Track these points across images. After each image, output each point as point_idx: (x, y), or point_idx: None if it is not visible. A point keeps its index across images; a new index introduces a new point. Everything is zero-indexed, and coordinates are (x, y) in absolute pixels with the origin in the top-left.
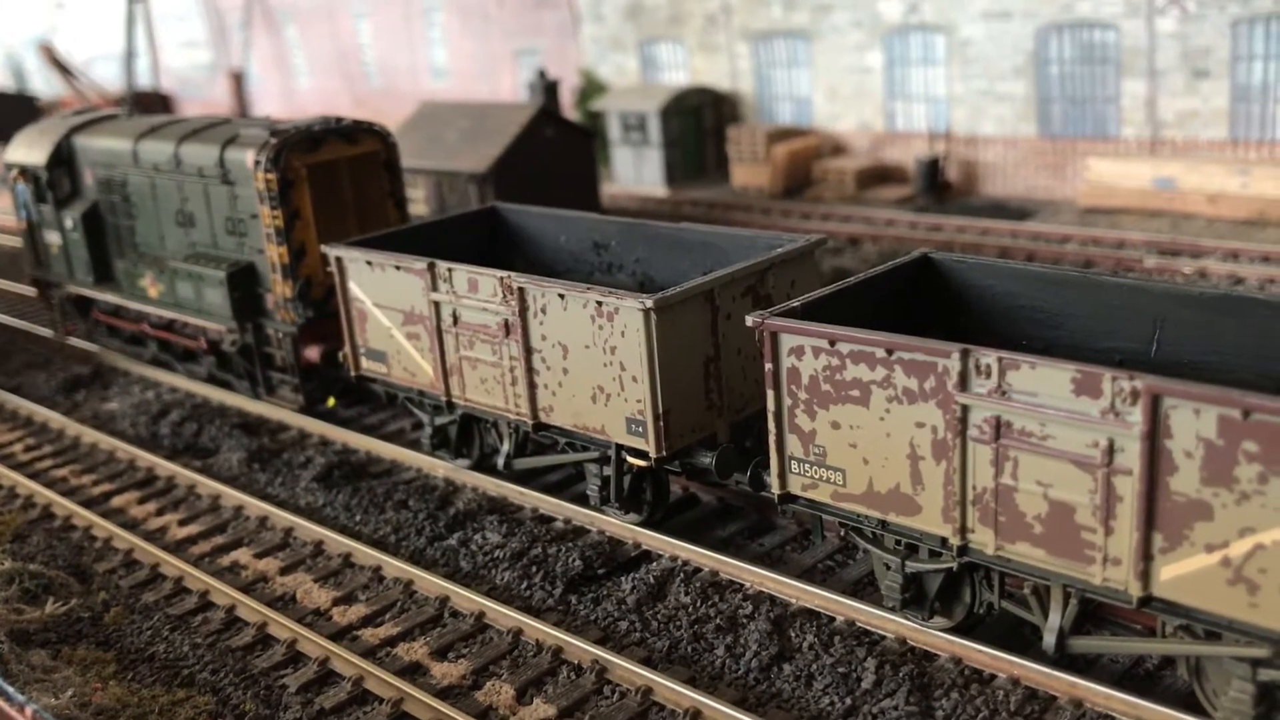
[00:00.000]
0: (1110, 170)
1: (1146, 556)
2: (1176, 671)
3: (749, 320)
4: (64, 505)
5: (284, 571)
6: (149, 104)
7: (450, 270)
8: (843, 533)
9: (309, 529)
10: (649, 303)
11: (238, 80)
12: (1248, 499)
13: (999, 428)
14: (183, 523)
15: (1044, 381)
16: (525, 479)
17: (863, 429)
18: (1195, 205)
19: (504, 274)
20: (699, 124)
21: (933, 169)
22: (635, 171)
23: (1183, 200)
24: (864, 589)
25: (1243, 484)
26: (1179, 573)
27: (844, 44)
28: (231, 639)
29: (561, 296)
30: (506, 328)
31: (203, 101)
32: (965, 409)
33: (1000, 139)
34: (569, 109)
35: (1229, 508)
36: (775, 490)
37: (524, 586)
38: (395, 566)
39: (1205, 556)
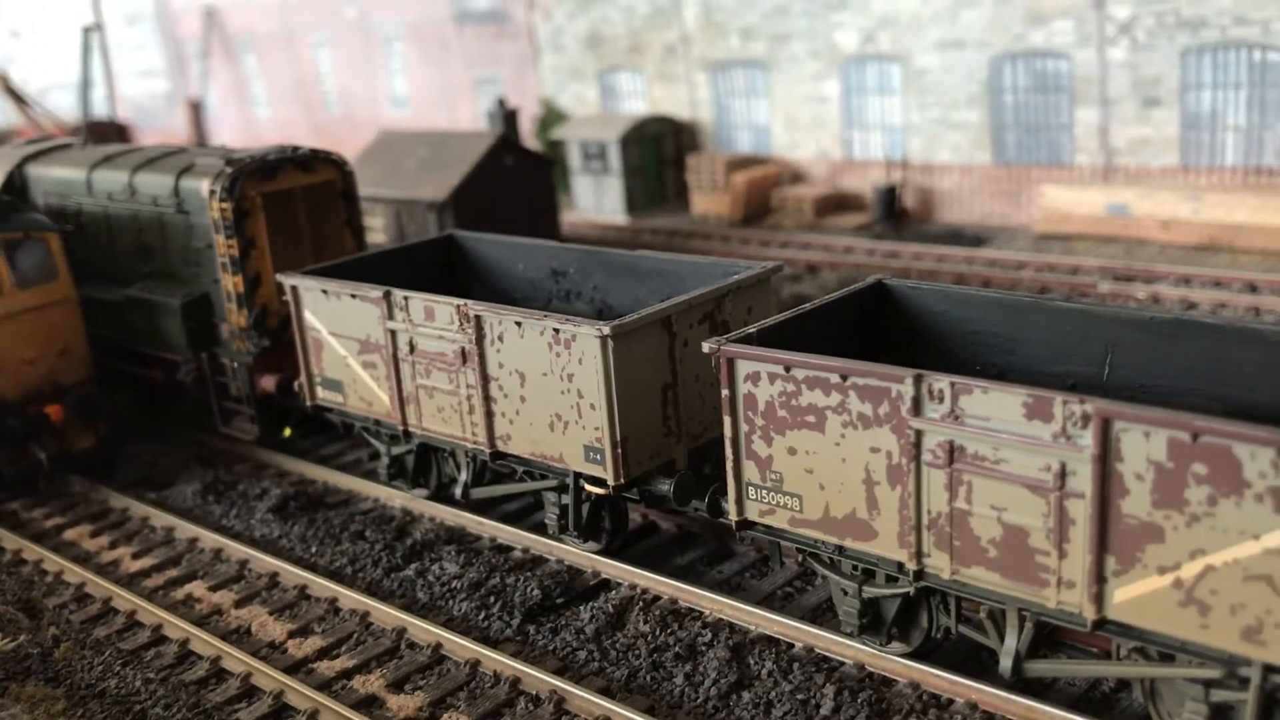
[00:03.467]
0: (1064, 197)
1: (1100, 579)
2: (1132, 694)
3: (705, 346)
4: (14, 540)
5: (239, 604)
6: (105, 133)
7: (406, 298)
8: (800, 559)
9: (264, 561)
10: (606, 330)
11: (196, 109)
12: (1198, 521)
13: (953, 452)
14: (136, 555)
15: (996, 406)
16: (483, 508)
17: (819, 454)
18: (1148, 231)
19: (461, 302)
20: (659, 152)
21: (890, 197)
22: (596, 200)
23: (1136, 226)
24: (822, 615)
25: (1193, 506)
26: (1132, 595)
27: (801, 74)
28: (185, 673)
29: (519, 324)
30: (464, 356)
31: (160, 131)
32: (919, 434)
33: (956, 167)
34: (529, 138)
35: (1180, 530)
36: (733, 516)
37: (482, 617)
38: (351, 598)
39: (1157, 578)
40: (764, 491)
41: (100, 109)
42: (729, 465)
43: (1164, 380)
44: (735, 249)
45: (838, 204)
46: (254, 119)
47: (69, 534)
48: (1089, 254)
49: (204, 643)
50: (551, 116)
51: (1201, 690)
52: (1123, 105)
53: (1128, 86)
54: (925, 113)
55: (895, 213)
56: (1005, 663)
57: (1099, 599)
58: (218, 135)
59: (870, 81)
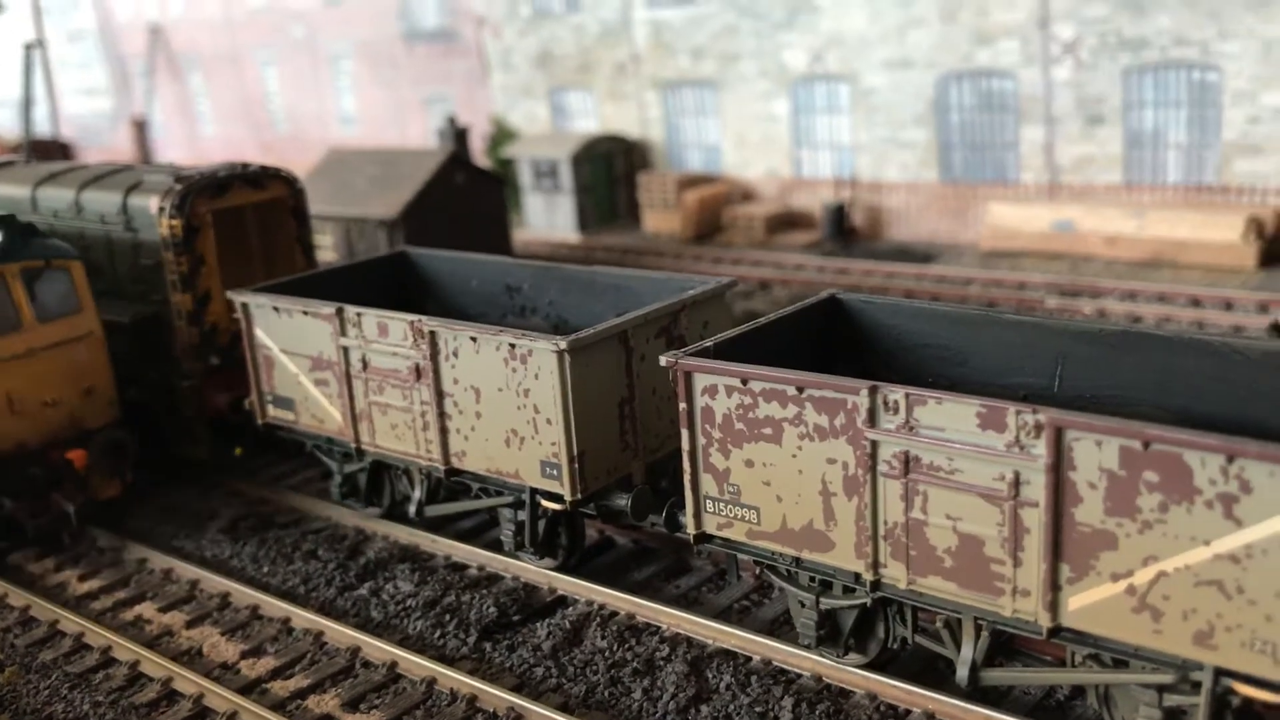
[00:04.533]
0: (1011, 214)
1: (1054, 587)
2: (1086, 701)
3: (663, 360)
4: None
5: (190, 625)
6: (48, 152)
7: (359, 315)
8: (758, 571)
9: (215, 581)
10: (563, 344)
11: (140, 128)
12: (1150, 528)
13: (908, 463)
14: (83, 578)
15: (950, 416)
16: (437, 526)
17: (776, 467)
18: (1093, 247)
19: (414, 318)
20: (610, 171)
21: (839, 214)
22: (548, 217)
23: (1081, 242)
24: (780, 628)
25: (1145, 513)
26: (1086, 602)
27: (751, 93)
28: (135, 696)
29: (474, 340)
30: (418, 372)
31: (104, 149)
32: (875, 445)
33: (904, 185)
34: (480, 155)
35: (1132, 537)
36: (691, 530)
37: (437, 635)
38: (305, 617)
39: (1111, 585)
40: (722, 504)
41: (42, 127)
42: (687, 478)
43: (1114, 391)
44: (688, 266)
45: (788, 222)
46: (200, 137)
47: (13, 557)
48: (1036, 270)
49: (155, 664)
50: (502, 134)
51: (1155, 695)
52: (1067, 123)
53: (1072, 105)
54: (873, 131)
55: (844, 230)
56: (962, 672)
57: (1054, 606)
58: (163, 154)
59: (819, 101)
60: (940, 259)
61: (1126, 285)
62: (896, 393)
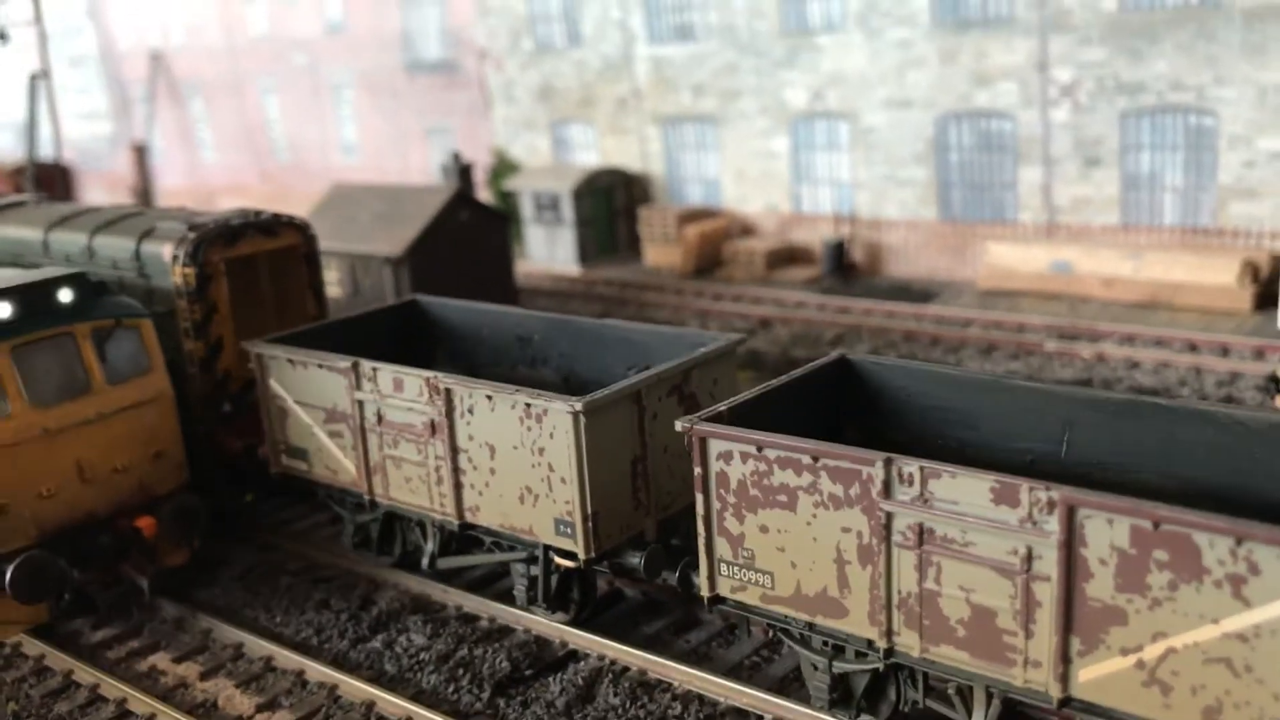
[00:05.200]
0: (1009, 254)
1: (1065, 659)
2: None
3: (679, 425)
4: None
5: (204, 676)
6: (48, 176)
7: (375, 370)
8: (770, 632)
9: (229, 631)
10: (579, 405)
11: (140, 153)
12: (1160, 605)
13: (922, 534)
14: (95, 626)
15: (964, 490)
16: (448, 576)
17: (790, 533)
18: (1091, 288)
19: (430, 374)
20: (610, 204)
21: (838, 251)
22: (549, 250)
23: (1079, 283)
24: (790, 685)
25: (1154, 590)
26: (1096, 675)
27: (751, 129)
28: None
29: (489, 397)
30: (433, 427)
31: (104, 174)
32: (890, 515)
33: (903, 222)
34: (481, 187)
35: (1142, 613)
36: (705, 592)
37: (451, 690)
38: (319, 670)
39: (1121, 659)
40: (736, 568)
41: (44, 150)
42: (701, 542)
43: (1120, 459)
44: (689, 302)
45: (788, 257)
46: (200, 164)
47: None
48: (1034, 311)
49: (170, 718)
50: (503, 167)
51: None
52: (1065, 165)
53: (1070, 147)
54: (873, 169)
55: (844, 266)
56: None
57: (1064, 678)
58: (163, 179)
59: (819, 138)
60: (939, 297)
61: (1124, 328)
62: (911, 465)
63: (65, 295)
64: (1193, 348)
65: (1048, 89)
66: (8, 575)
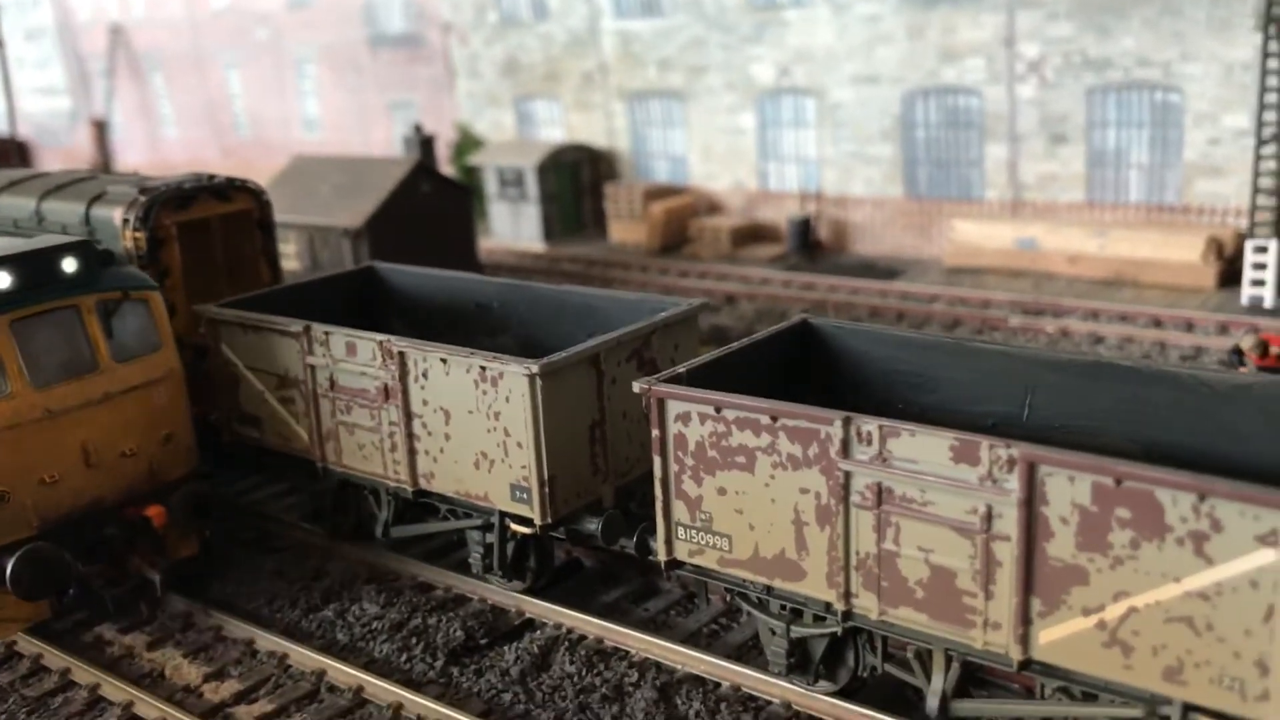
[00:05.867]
0: (974, 231)
1: (1026, 620)
2: None
3: (636, 386)
4: None
5: (151, 646)
6: (4, 151)
7: (327, 334)
8: (728, 597)
9: (177, 602)
10: (535, 368)
11: (100, 128)
12: (1121, 564)
13: (881, 494)
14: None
15: (923, 449)
16: (403, 546)
17: (749, 495)
18: (1056, 265)
19: (384, 338)
20: (576, 180)
21: (804, 228)
22: (513, 227)
23: (1044, 260)
24: (749, 653)
25: (1116, 549)
26: (1057, 636)
27: (718, 105)
28: None
29: (444, 361)
30: (386, 392)
31: (63, 150)
32: (848, 475)
33: (869, 200)
34: (444, 163)
35: (1104, 572)
36: (661, 556)
37: (404, 659)
38: (269, 639)
39: (1082, 620)
40: (693, 531)
41: None
42: (659, 505)
43: (1082, 420)
44: (655, 279)
45: (754, 234)
46: (161, 139)
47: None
48: (999, 288)
49: (115, 688)
50: (467, 142)
51: None
52: (1031, 141)
53: (1036, 123)
54: (839, 146)
55: (810, 244)
56: (932, 702)
57: (1025, 640)
58: (123, 155)
59: (785, 114)
60: (904, 275)
61: (1089, 304)
62: (870, 424)
63: (69, 265)
64: (1157, 323)
65: (1015, 65)
66: (8, 569)
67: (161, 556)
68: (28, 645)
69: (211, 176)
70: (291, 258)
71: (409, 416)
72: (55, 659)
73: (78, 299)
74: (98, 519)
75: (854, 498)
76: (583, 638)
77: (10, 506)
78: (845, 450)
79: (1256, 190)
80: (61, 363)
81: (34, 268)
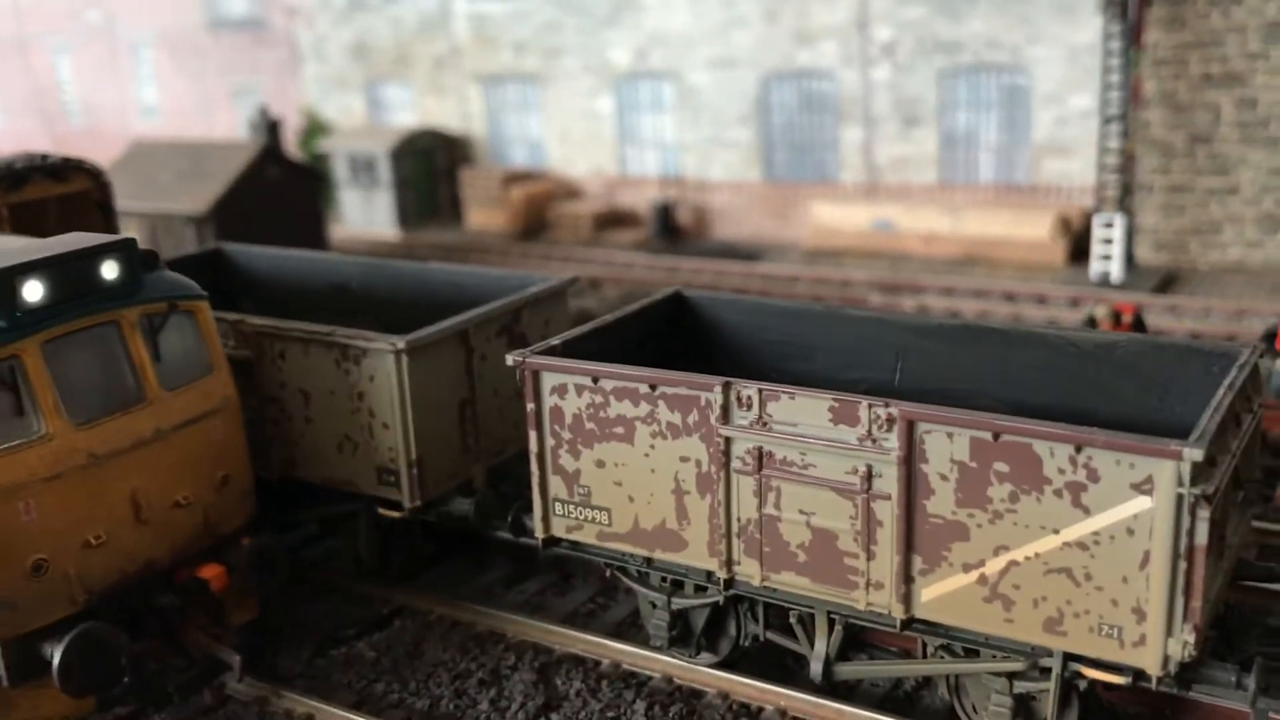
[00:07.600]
0: (832, 213)
1: (907, 579)
2: (935, 691)
3: (509, 359)
4: None
5: None
6: None
7: None
8: (608, 573)
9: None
10: (400, 344)
11: None
12: (1001, 518)
13: (761, 459)
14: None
15: (803, 411)
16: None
17: (627, 466)
18: (911, 245)
19: (236, 317)
20: (430, 166)
21: (665, 213)
22: (365, 214)
23: (900, 241)
24: (628, 630)
25: (995, 504)
26: (939, 593)
27: (575, 89)
28: None
29: (302, 340)
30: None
31: None
32: (728, 441)
33: (728, 184)
34: (292, 149)
35: (984, 527)
36: (539, 534)
37: (270, 652)
38: None
39: (963, 576)
40: (571, 507)
41: None
42: (535, 481)
43: (954, 384)
44: (517, 263)
45: (614, 220)
46: None
47: None
48: (858, 268)
49: None
50: (315, 127)
51: (1005, 683)
52: (885, 124)
53: (890, 106)
54: (698, 131)
55: (671, 229)
56: (815, 667)
57: (907, 598)
58: None
59: (643, 98)
60: (765, 257)
61: (945, 282)
62: (750, 388)
63: (110, 270)
64: (1010, 298)
65: (868, 48)
66: (55, 659)
67: (223, 627)
68: None
69: (45, 156)
70: None
71: (264, 401)
72: None
73: (119, 312)
74: (149, 585)
75: (735, 464)
76: (456, 624)
77: (50, 578)
78: (725, 416)
79: (1102, 168)
80: (104, 393)
81: (69, 274)
